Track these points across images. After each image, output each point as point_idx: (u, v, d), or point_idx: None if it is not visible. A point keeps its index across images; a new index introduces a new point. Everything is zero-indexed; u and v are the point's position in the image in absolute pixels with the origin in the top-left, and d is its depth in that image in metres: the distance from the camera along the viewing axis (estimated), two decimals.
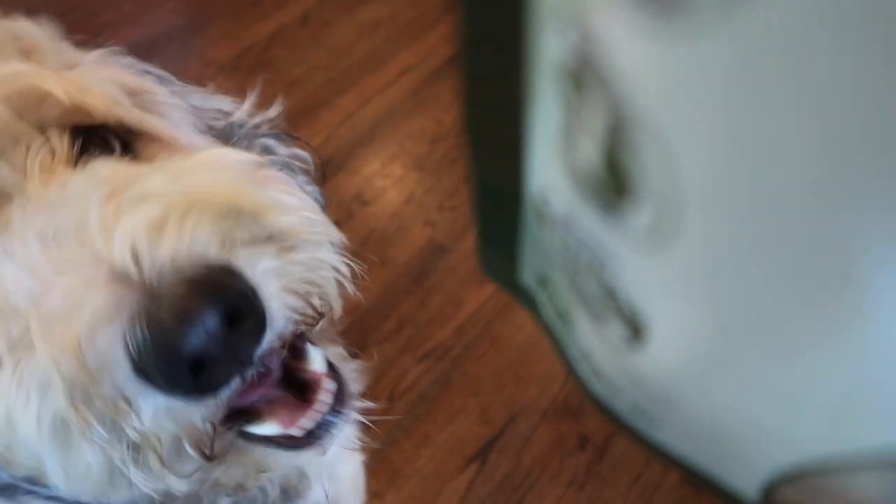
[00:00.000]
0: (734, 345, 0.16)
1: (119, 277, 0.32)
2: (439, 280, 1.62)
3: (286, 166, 0.60)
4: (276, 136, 0.61)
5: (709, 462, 0.20)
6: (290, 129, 0.64)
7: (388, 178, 1.70)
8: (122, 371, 0.31)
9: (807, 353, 0.15)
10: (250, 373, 0.36)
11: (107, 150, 0.43)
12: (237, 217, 0.35)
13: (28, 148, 0.40)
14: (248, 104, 0.59)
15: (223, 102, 0.58)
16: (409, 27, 1.95)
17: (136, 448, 0.35)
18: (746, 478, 0.19)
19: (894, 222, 0.12)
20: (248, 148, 0.56)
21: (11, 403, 0.34)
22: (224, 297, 0.33)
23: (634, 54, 0.14)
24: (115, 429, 0.33)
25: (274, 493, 0.60)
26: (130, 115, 0.44)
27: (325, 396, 0.42)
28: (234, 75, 1.82)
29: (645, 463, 1.33)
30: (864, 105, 0.12)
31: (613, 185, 0.16)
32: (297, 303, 0.37)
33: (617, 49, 0.15)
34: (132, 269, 0.32)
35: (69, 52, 0.47)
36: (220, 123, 0.56)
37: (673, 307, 0.17)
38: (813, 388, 0.15)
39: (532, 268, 0.22)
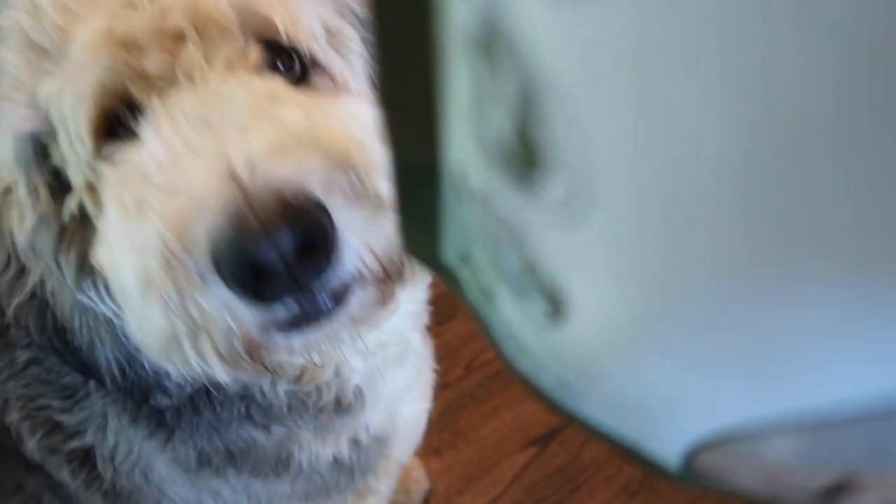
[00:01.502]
0: (654, 316, 0.16)
1: (232, 177, 0.36)
2: None
3: None
4: None
5: (632, 433, 0.20)
6: None
7: None
8: (203, 256, 0.36)
9: (726, 319, 0.15)
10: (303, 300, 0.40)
11: (289, 69, 0.48)
12: (347, 169, 0.39)
13: (225, 45, 0.45)
14: None
15: None
16: None
17: (195, 327, 0.39)
18: (668, 447, 0.19)
19: (811, 191, 0.12)
20: None
21: (122, 249, 0.40)
22: (306, 226, 0.37)
23: (539, 19, 0.14)
24: (184, 301, 0.38)
25: (328, 397, 0.63)
26: (321, 50, 0.49)
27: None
28: None
29: (703, 492, 1.30)
30: (764, 63, 0.11)
31: (526, 157, 0.16)
32: (369, 257, 0.41)
33: (522, 13, 0.14)
34: (245, 174, 0.36)
35: None
36: None
37: (592, 280, 0.17)
38: (733, 354, 0.15)
39: (454, 245, 0.22)
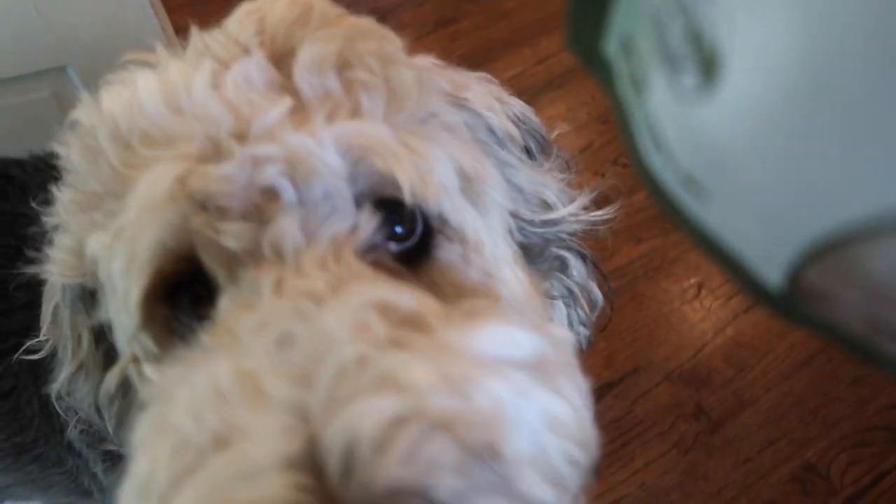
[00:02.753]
0: (813, 83, 0.15)
1: (312, 469, 0.24)
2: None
3: (575, 297, 0.48)
4: (582, 257, 0.48)
5: (743, 244, 0.18)
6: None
7: (571, 123, 1.68)
8: None
9: (879, 99, 0.14)
10: None
11: (410, 232, 0.37)
12: (489, 460, 0.26)
13: (331, 214, 0.34)
14: (579, 202, 0.46)
15: (550, 187, 0.46)
16: None
17: None
18: (776, 259, 0.17)
19: None
20: (540, 256, 0.45)
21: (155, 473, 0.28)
22: None
23: None
24: None
25: None
26: (452, 207, 0.37)
27: None
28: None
29: (758, 450, 1.26)
30: None
31: None
32: None
33: None
34: (335, 467, 0.24)
35: (435, 87, 0.40)
36: (535, 227, 0.45)
37: (757, 29, 0.16)
38: (877, 139, 0.14)
39: (619, 30, 0.21)
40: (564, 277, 0.48)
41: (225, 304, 0.34)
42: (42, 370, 0.61)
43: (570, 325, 0.45)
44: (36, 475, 0.70)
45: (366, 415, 0.25)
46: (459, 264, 0.37)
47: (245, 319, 0.31)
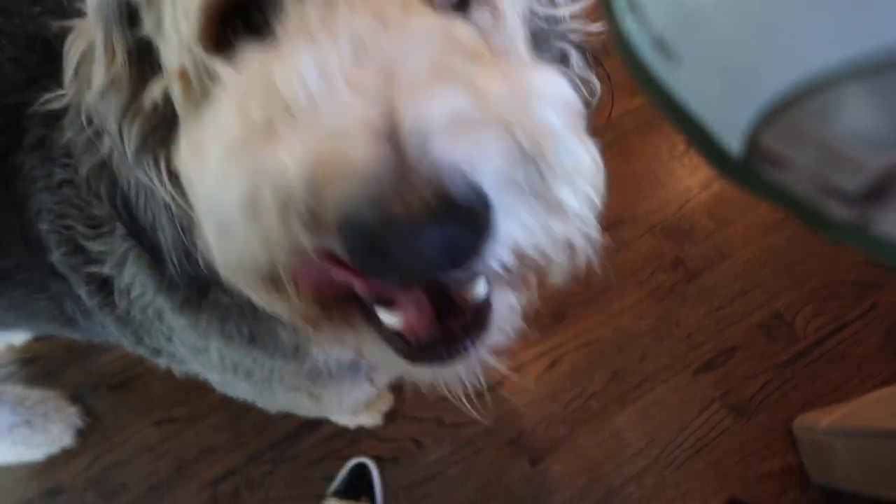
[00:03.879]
0: None
1: (393, 140, 0.28)
2: None
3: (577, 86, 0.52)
4: (582, 51, 0.53)
5: (706, 108, 0.19)
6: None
7: None
8: (330, 220, 0.29)
9: None
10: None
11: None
12: (533, 163, 0.31)
13: None
14: (581, 4, 0.51)
15: None
16: None
17: (286, 275, 0.34)
18: (736, 123, 0.18)
19: None
20: (543, 48, 0.50)
21: (227, 163, 0.33)
22: (462, 236, 0.29)
23: None
24: (287, 247, 0.32)
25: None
26: None
27: (457, 323, 0.38)
28: None
29: (730, 300, 1.32)
30: None
31: None
32: (517, 266, 0.34)
33: None
34: (412, 144, 0.28)
35: None
36: (538, 21, 0.50)
37: None
38: None
39: None
40: (565, 68, 0.52)
41: (293, 14, 0.36)
42: (19, 196, 0.64)
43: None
44: (20, 302, 0.73)
45: (444, 106, 0.29)
46: (489, 30, 0.41)
47: (319, 25, 0.33)
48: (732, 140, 0.19)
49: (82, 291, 0.67)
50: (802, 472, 1.22)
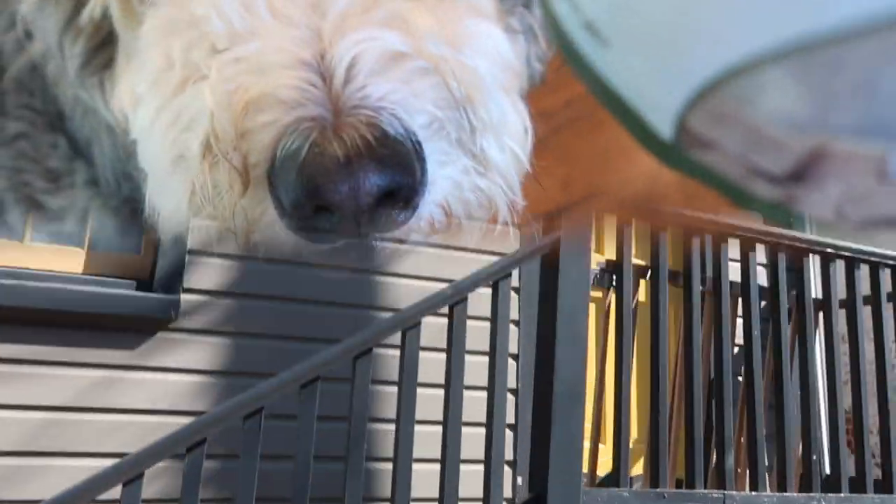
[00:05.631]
0: None
1: (320, 72, 0.27)
2: None
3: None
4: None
5: (636, 92, 0.19)
6: None
7: None
8: (259, 162, 0.28)
9: None
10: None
11: None
12: (464, 113, 0.31)
13: None
14: None
15: None
16: None
17: (220, 219, 0.33)
18: (665, 106, 0.18)
19: None
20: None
21: (156, 110, 0.31)
22: (396, 172, 0.28)
23: None
24: (214, 197, 0.31)
25: None
26: None
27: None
28: None
29: None
30: None
31: None
32: (441, 215, 0.33)
33: None
34: (339, 74, 0.27)
35: None
36: None
37: None
38: None
39: None
40: (527, 13, 0.51)
41: None
42: None
43: (528, 60, 0.46)
44: None
45: (372, 40, 0.28)
46: None
47: None
48: (662, 123, 0.19)
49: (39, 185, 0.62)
50: None
